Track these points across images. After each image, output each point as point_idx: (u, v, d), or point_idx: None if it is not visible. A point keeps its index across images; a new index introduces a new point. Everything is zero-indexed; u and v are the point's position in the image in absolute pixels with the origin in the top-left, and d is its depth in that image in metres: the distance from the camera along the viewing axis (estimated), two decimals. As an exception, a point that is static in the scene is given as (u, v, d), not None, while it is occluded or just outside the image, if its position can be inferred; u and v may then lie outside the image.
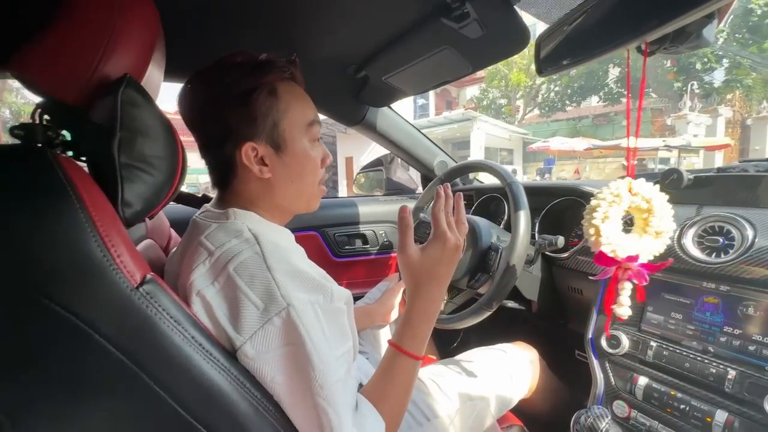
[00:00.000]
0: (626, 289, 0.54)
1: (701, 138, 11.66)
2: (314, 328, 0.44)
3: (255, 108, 0.51)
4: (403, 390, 0.54)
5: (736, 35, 12.15)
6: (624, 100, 15.36)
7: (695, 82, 12.95)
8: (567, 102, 16.49)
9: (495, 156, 14.21)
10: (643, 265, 0.54)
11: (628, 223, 0.62)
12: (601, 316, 0.78)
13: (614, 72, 14.81)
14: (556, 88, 16.33)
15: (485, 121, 12.88)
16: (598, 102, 16.08)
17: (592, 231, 0.56)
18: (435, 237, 0.56)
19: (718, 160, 12.15)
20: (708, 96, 14.16)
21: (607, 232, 0.55)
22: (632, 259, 0.54)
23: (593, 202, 0.56)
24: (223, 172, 0.55)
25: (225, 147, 0.52)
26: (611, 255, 0.54)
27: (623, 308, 0.55)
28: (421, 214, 1.07)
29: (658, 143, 11.07)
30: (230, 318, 0.44)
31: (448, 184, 0.62)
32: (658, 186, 0.57)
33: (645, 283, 0.54)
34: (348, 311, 0.52)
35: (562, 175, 14.24)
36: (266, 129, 0.52)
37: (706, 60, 12.40)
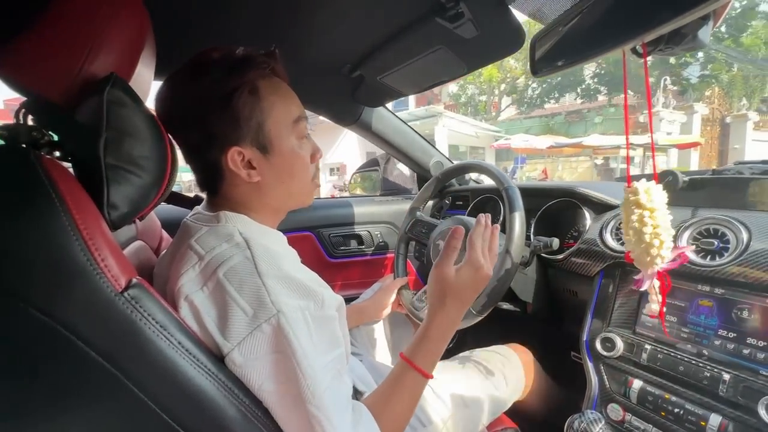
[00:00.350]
0: (656, 287, 0.54)
1: (675, 136, 11.24)
2: (303, 335, 0.43)
3: (237, 111, 0.49)
4: (408, 405, 0.54)
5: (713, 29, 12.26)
6: (600, 97, 14.92)
7: (668, 77, 12.76)
8: (546, 99, 16.06)
9: (465, 155, 13.59)
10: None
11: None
12: (595, 319, 0.78)
13: (591, 68, 14.44)
14: (534, 84, 15.87)
15: (451, 118, 12.37)
16: (575, 99, 15.65)
17: (660, 242, 0.50)
18: (469, 262, 0.58)
19: (694, 159, 11.80)
20: (684, 92, 13.67)
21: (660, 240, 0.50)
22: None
23: (650, 215, 0.50)
24: (211, 177, 0.53)
25: (210, 153, 0.50)
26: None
27: (656, 304, 0.55)
28: (418, 213, 1.07)
29: (621, 141, 10.49)
30: (218, 324, 0.43)
31: (489, 215, 0.64)
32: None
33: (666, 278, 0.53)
34: (339, 318, 0.51)
35: (531, 176, 13.61)
36: (251, 131, 0.50)
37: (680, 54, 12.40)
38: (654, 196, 0.51)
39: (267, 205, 0.56)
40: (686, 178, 0.74)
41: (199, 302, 0.44)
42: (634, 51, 0.54)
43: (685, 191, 0.74)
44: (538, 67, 0.64)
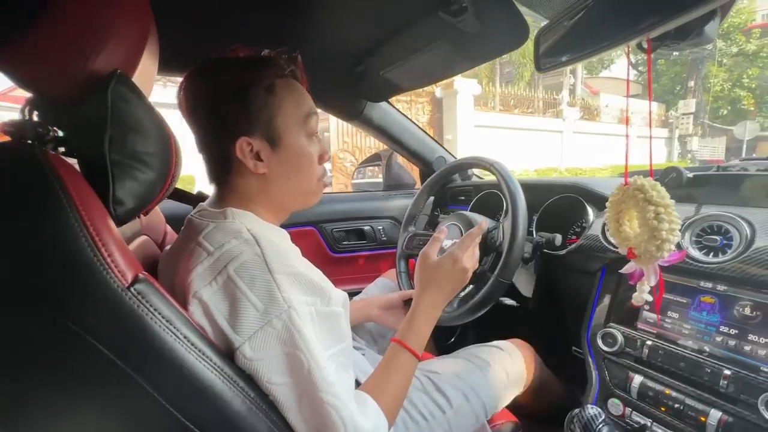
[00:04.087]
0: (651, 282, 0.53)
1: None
2: (309, 329, 0.44)
3: (251, 103, 0.51)
4: (402, 386, 0.56)
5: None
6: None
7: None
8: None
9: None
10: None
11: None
12: (597, 314, 0.78)
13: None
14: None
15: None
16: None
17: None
18: (450, 253, 0.67)
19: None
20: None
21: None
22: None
23: (665, 211, 0.50)
24: (219, 166, 0.55)
25: (220, 141, 0.53)
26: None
27: (647, 294, 0.54)
28: (410, 228, 1.07)
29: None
30: (229, 318, 0.44)
31: (488, 223, 0.79)
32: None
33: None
34: (345, 313, 0.53)
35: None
36: (261, 124, 0.52)
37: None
38: (663, 193, 0.51)
39: (272, 201, 0.57)
40: (690, 175, 0.73)
41: (209, 298, 0.44)
42: (639, 46, 0.53)
43: (689, 187, 0.74)
44: (543, 62, 0.64)
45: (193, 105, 0.54)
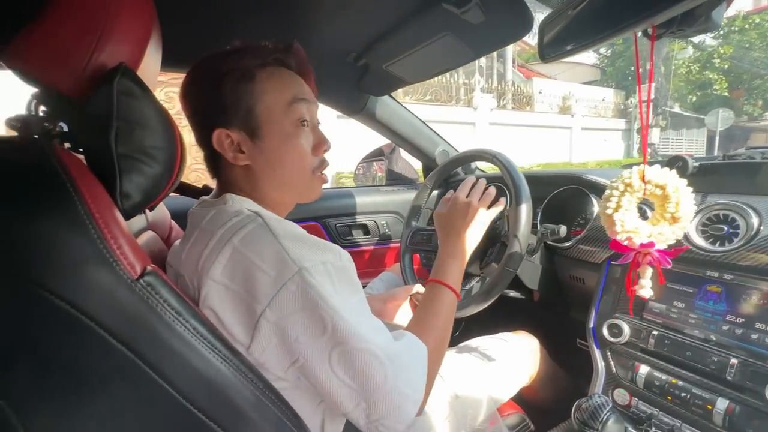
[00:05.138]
0: (648, 272, 0.54)
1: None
2: (328, 285, 0.44)
3: (224, 94, 0.51)
4: (445, 319, 0.59)
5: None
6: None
7: None
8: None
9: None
10: (659, 252, 0.54)
11: (651, 209, 0.61)
12: (602, 305, 0.78)
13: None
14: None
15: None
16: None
17: (605, 220, 0.56)
18: (451, 198, 0.77)
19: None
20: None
21: (621, 221, 0.54)
22: (647, 245, 0.54)
23: (606, 192, 0.56)
24: (209, 157, 0.56)
25: (201, 132, 0.54)
26: (626, 243, 0.54)
27: (645, 289, 0.55)
28: (413, 223, 1.06)
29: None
30: (245, 289, 0.44)
31: (483, 180, 0.81)
32: (675, 171, 0.56)
33: (668, 266, 0.53)
34: (354, 268, 0.52)
35: None
36: (239, 115, 0.52)
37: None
38: (612, 183, 0.55)
39: (265, 194, 0.56)
40: (696, 164, 0.73)
41: (221, 273, 0.44)
42: (645, 33, 0.53)
43: (695, 177, 0.73)
44: (547, 52, 0.63)
45: (181, 100, 0.56)
